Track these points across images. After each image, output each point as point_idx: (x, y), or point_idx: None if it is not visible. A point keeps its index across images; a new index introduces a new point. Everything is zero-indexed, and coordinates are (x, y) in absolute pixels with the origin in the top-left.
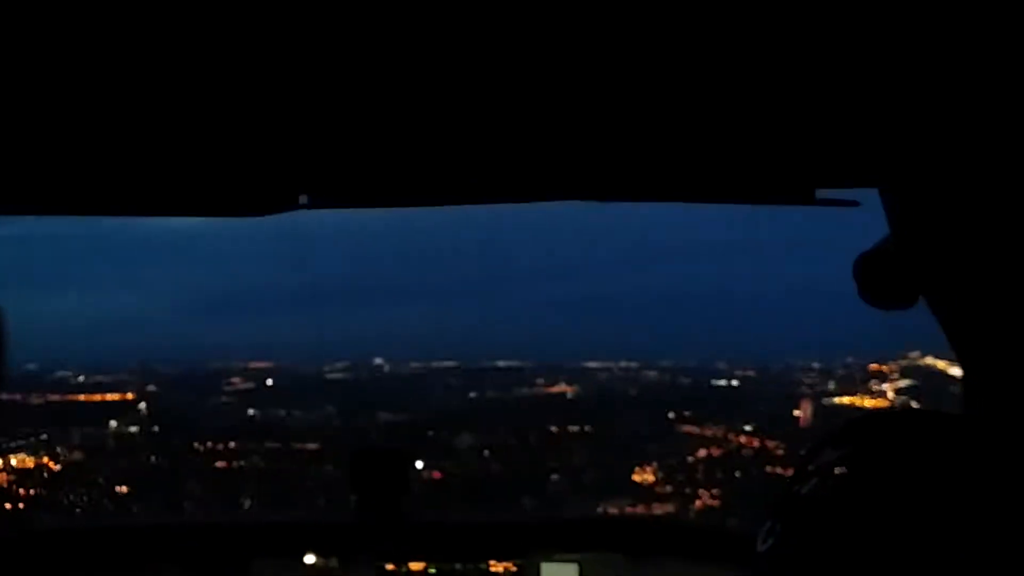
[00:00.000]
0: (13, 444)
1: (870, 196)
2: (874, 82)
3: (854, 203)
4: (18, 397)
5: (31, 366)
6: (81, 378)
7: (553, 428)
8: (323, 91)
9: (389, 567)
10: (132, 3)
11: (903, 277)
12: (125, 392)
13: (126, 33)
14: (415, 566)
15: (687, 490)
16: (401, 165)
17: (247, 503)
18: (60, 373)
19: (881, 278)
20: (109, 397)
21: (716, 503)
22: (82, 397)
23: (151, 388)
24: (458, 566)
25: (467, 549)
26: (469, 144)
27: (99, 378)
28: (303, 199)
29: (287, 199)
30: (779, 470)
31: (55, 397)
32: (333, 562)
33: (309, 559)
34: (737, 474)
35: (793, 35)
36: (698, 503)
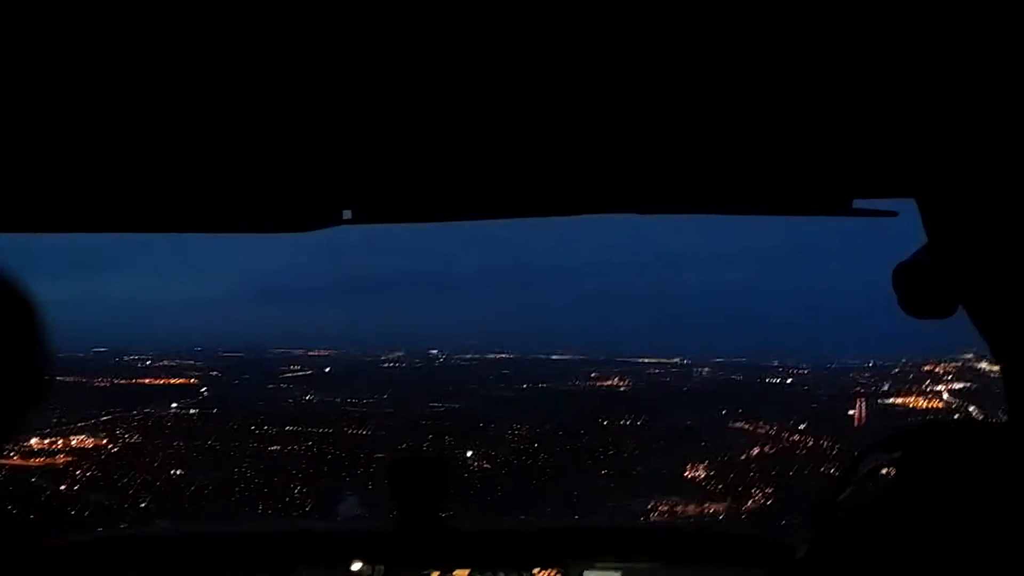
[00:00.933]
0: (76, 425)
1: (908, 206)
2: (910, 95)
3: (892, 213)
4: (84, 380)
5: (101, 349)
6: (148, 362)
7: (604, 422)
8: (367, 111)
9: (434, 575)
10: (185, 25)
11: (941, 287)
12: (189, 376)
13: (175, 56)
14: (459, 574)
15: (739, 488)
16: (442, 181)
17: (296, 489)
18: (128, 357)
19: (920, 288)
20: (173, 381)
21: (768, 502)
22: (147, 380)
23: (214, 373)
24: (502, 574)
25: (510, 557)
26: (511, 160)
27: (165, 362)
28: (346, 214)
29: (331, 215)
30: (833, 470)
31: (121, 380)
32: (379, 570)
33: (355, 566)
34: (790, 473)
35: (830, 50)
36: (750, 502)
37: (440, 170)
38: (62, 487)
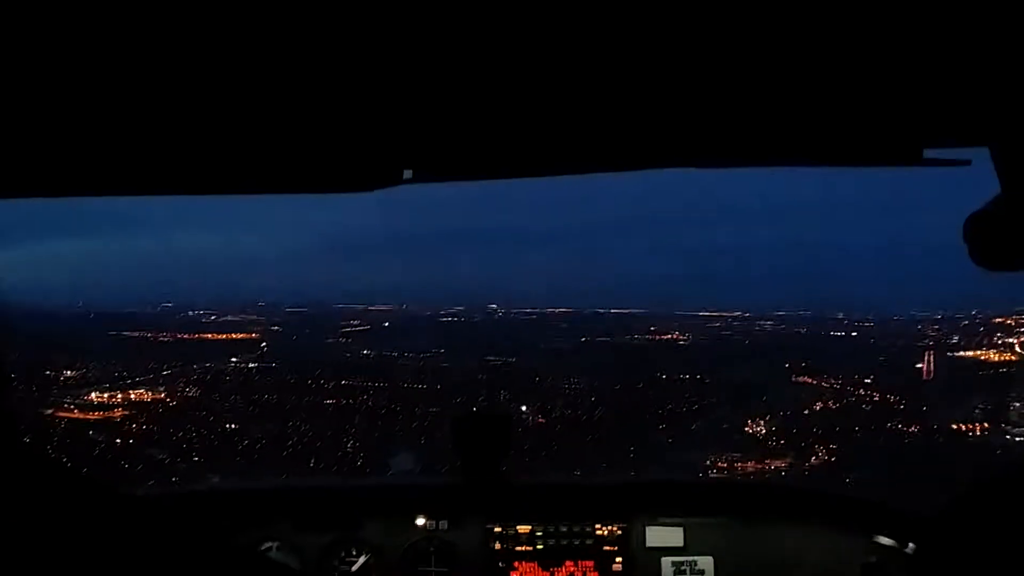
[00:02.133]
0: (136, 379)
1: (980, 155)
2: (980, 36)
3: (966, 162)
4: (149, 335)
5: (168, 304)
6: (213, 317)
7: (662, 376)
8: (424, 69)
9: (497, 529)
10: None
11: (1014, 238)
12: (251, 331)
13: (235, 19)
14: (522, 528)
15: (802, 444)
16: (500, 138)
17: (349, 443)
18: (194, 312)
19: (991, 239)
20: (235, 336)
21: (832, 459)
22: (209, 335)
23: (275, 328)
24: (564, 528)
25: (572, 511)
26: (568, 115)
27: (229, 317)
28: (407, 174)
29: (392, 174)
30: (900, 426)
31: (184, 335)
32: (443, 524)
33: (419, 521)
34: (856, 428)
35: None
36: (813, 459)
37: (497, 127)
38: (117, 440)
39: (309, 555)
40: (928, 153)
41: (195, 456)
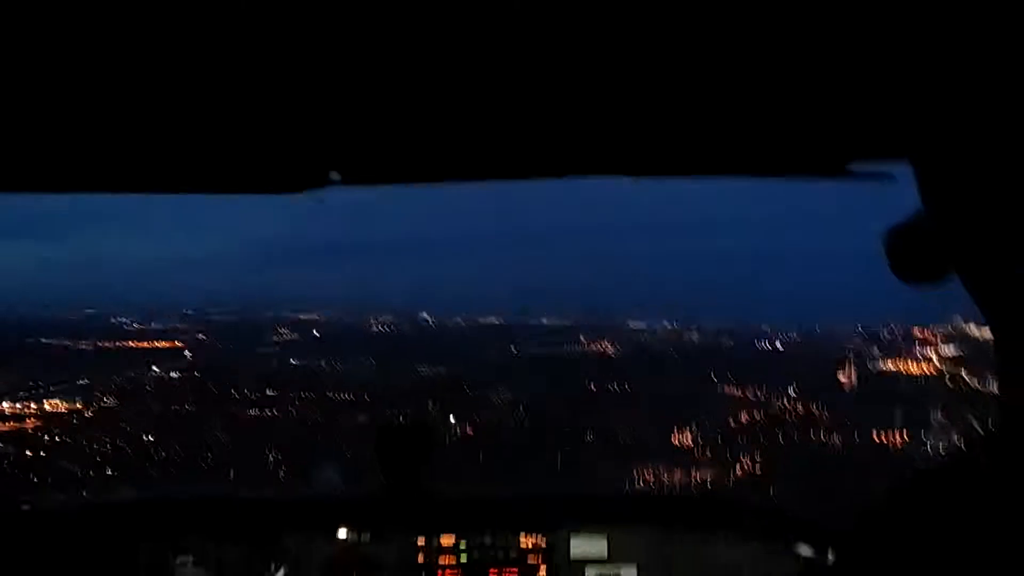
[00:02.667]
0: (52, 388)
1: (902, 172)
2: (904, 50)
3: (888, 176)
4: (68, 343)
5: (90, 311)
6: (136, 324)
7: (591, 386)
8: (353, 72)
9: (420, 541)
10: None
11: (934, 252)
12: (175, 340)
13: (168, 20)
14: (445, 540)
15: (728, 455)
16: (429, 144)
17: (271, 456)
18: (117, 319)
19: (912, 253)
20: (159, 344)
21: (757, 470)
22: (131, 343)
23: (200, 336)
24: (488, 540)
25: (497, 522)
26: (499, 121)
27: (153, 324)
28: (334, 176)
29: (318, 177)
30: (823, 437)
31: (105, 343)
32: (365, 536)
33: (341, 533)
34: (780, 439)
35: (823, 5)
36: (739, 470)
37: (427, 132)
38: (27, 452)
39: (226, 569)
40: (853, 166)
41: (109, 469)
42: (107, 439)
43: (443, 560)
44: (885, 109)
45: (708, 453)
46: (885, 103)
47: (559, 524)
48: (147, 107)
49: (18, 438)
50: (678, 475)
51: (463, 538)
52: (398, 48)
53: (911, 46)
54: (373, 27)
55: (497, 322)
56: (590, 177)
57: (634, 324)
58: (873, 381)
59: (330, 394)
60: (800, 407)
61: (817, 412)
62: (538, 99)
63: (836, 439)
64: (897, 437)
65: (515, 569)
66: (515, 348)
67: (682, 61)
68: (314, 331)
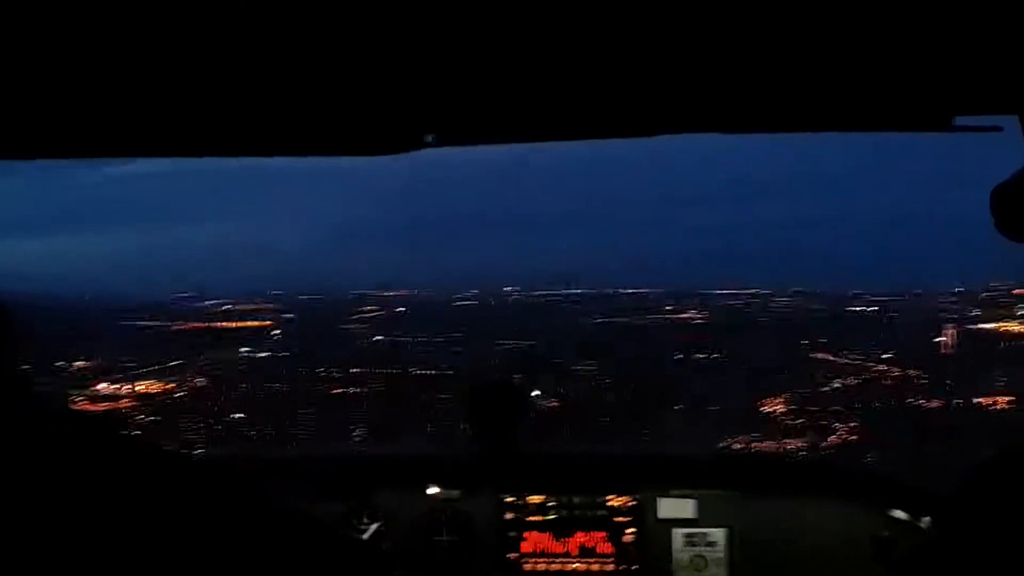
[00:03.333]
0: (144, 370)
1: (1012, 123)
2: (1013, 5)
3: (996, 128)
4: (162, 325)
5: (184, 294)
6: (228, 306)
7: (678, 355)
8: (446, 34)
9: (508, 499)
10: None
11: None
12: (264, 320)
13: None
14: (534, 499)
15: (821, 423)
16: (521, 102)
17: (356, 432)
18: (209, 301)
19: (1019, 210)
20: (248, 324)
21: (852, 437)
22: (222, 324)
23: (289, 316)
24: (576, 499)
25: (585, 482)
26: (590, 79)
27: (243, 306)
28: (428, 138)
29: (413, 139)
30: (921, 402)
31: (198, 324)
32: (454, 493)
33: (431, 490)
34: (876, 406)
35: None
36: (832, 438)
37: (519, 91)
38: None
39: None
40: (959, 121)
41: (199, 447)
42: (199, 418)
43: (531, 519)
44: (993, 61)
45: (801, 421)
46: (992, 55)
47: (647, 485)
48: (248, 72)
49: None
50: (770, 444)
51: (551, 498)
52: (489, 9)
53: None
54: None
55: (583, 292)
56: (686, 132)
57: (721, 291)
58: (973, 343)
59: (413, 370)
60: (896, 371)
61: (914, 376)
62: (627, 55)
63: (936, 404)
64: (1000, 401)
65: (603, 532)
66: (601, 318)
67: (786, 14)
68: (399, 307)
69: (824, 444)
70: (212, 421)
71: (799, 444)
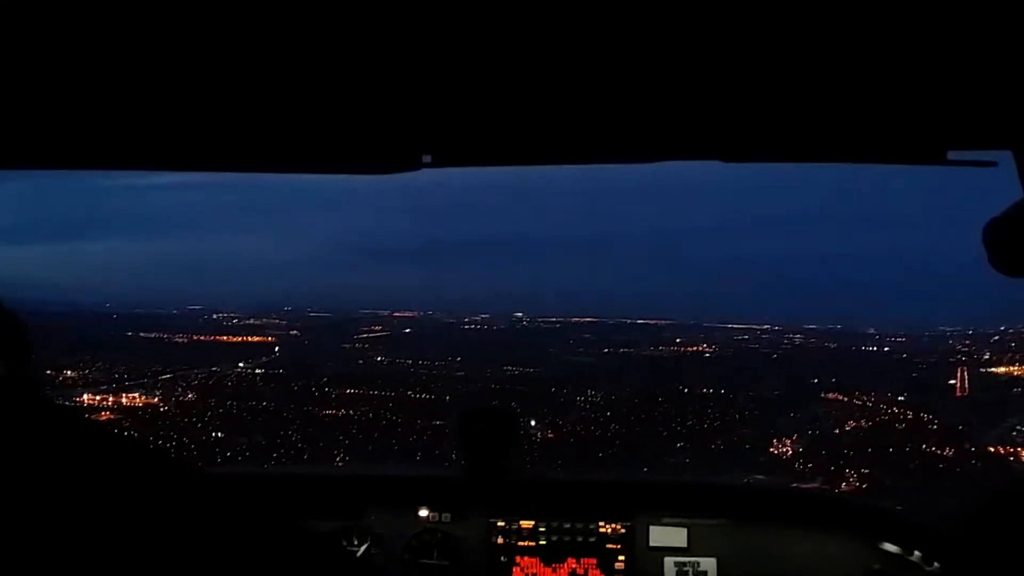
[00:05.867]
0: (133, 382)
1: (1005, 158)
2: (1007, 40)
3: (991, 163)
4: (165, 336)
5: (195, 306)
6: (235, 319)
7: (684, 389)
8: (444, 54)
9: (500, 523)
10: None
11: None
12: (268, 335)
13: (265, 5)
14: (525, 524)
15: (831, 468)
16: (520, 124)
17: (338, 458)
18: (217, 314)
19: (1012, 244)
20: (250, 339)
21: (864, 484)
22: (226, 338)
23: (293, 332)
24: (567, 525)
25: (576, 508)
26: (592, 103)
27: (251, 320)
28: (426, 158)
29: (411, 158)
30: (934, 449)
31: (200, 337)
32: (446, 516)
33: (423, 512)
34: (889, 450)
35: None
36: (843, 484)
37: (518, 113)
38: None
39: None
40: (952, 155)
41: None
42: (174, 435)
43: (522, 544)
44: (988, 96)
45: (811, 465)
46: (988, 90)
47: (639, 512)
48: (249, 91)
49: None
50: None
51: (542, 523)
52: (489, 31)
53: (1013, 34)
54: (468, 8)
55: (592, 321)
56: (685, 158)
57: (733, 325)
58: (985, 386)
59: (411, 393)
60: (909, 414)
61: (927, 419)
62: (634, 79)
63: (949, 451)
64: (1019, 451)
65: (594, 559)
66: (607, 348)
67: (782, 43)
68: (405, 329)
69: (835, 491)
70: (187, 439)
71: (810, 488)
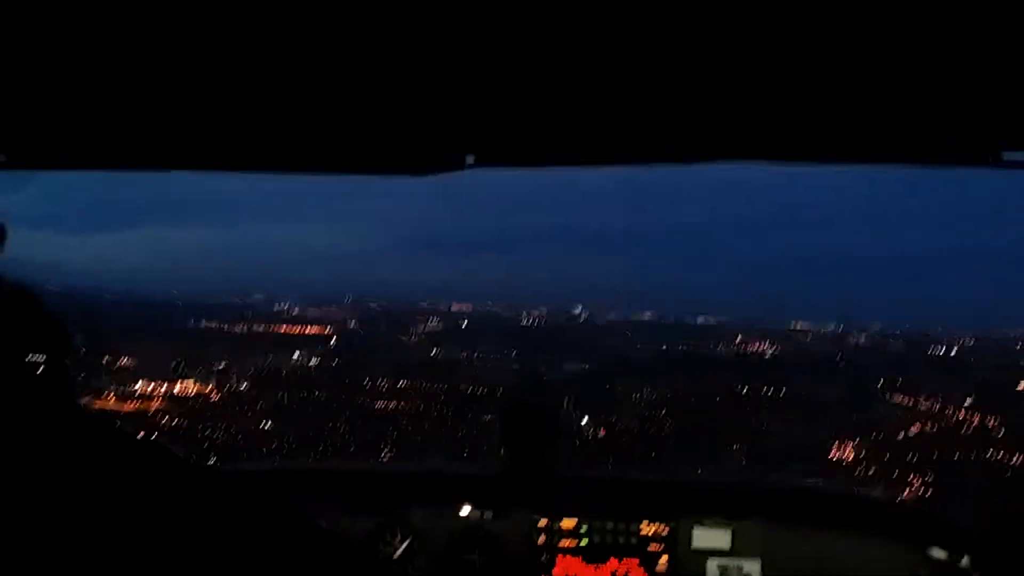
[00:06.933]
0: (191, 371)
1: None
2: None
3: None
4: (224, 326)
5: (258, 296)
6: (296, 310)
7: (743, 389)
8: (489, 55)
9: (541, 522)
10: None
11: None
12: (325, 326)
13: (308, 4)
14: (567, 523)
15: (894, 474)
16: (565, 125)
17: (384, 452)
18: (279, 305)
19: None
20: (308, 330)
21: (927, 492)
22: (284, 328)
23: (351, 323)
24: (610, 525)
25: (619, 508)
26: (635, 105)
27: (311, 311)
28: (469, 159)
29: (454, 160)
30: (1002, 457)
31: (259, 327)
32: (488, 514)
33: (464, 510)
34: (955, 457)
35: None
36: (906, 491)
37: (562, 114)
38: (140, 434)
39: (353, 538)
40: (1008, 155)
41: (212, 457)
42: (222, 425)
43: (564, 543)
44: None
45: (872, 470)
46: None
47: (682, 513)
48: (295, 92)
49: (137, 419)
50: None
51: (584, 522)
52: (534, 31)
53: None
54: (516, 8)
55: (651, 318)
56: (729, 161)
57: (796, 325)
58: None
59: (463, 387)
60: (976, 419)
61: (993, 426)
62: (677, 80)
63: (1017, 459)
64: None
65: (636, 559)
66: (665, 345)
67: (833, 42)
68: (464, 321)
69: (897, 498)
70: (234, 429)
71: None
